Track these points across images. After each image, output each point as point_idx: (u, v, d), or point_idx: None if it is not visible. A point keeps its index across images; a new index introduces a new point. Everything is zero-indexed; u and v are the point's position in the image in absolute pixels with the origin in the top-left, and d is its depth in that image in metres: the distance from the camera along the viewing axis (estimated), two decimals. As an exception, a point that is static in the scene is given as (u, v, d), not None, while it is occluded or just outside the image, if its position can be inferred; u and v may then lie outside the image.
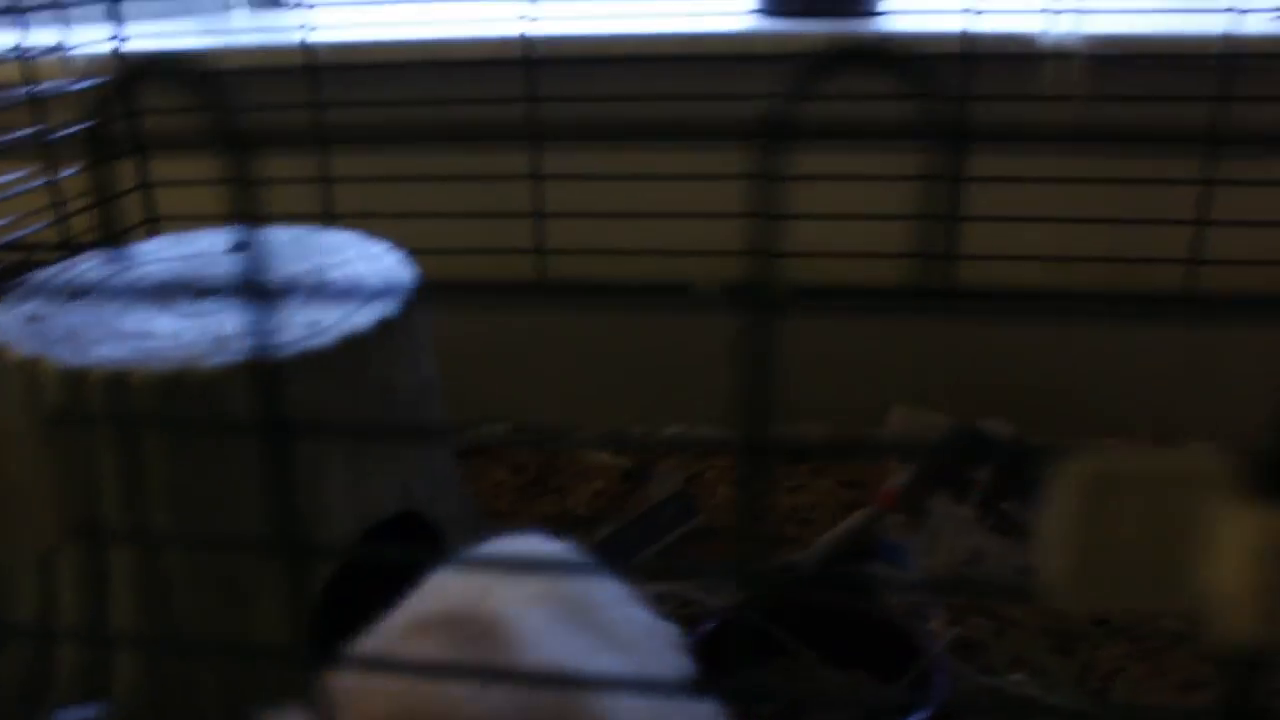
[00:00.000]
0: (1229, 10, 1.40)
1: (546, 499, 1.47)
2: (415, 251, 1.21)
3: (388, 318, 1.07)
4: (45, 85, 1.39)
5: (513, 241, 1.51)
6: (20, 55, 1.38)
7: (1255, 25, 1.39)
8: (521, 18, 1.41)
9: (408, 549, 1.08)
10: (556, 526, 1.42)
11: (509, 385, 1.62)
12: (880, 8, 1.49)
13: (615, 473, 1.49)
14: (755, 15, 1.52)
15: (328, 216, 1.53)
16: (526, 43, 1.42)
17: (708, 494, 1.45)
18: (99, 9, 1.48)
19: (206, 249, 1.24)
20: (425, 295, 1.12)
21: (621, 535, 1.36)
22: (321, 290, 1.09)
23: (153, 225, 1.59)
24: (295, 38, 1.48)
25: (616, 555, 1.34)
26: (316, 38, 1.49)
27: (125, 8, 1.50)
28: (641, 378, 1.60)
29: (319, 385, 1.02)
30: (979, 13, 1.37)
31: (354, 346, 1.03)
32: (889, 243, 1.07)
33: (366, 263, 1.18)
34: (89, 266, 1.20)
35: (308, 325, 1.04)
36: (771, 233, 0.42)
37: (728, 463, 1.50)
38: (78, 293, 1.13)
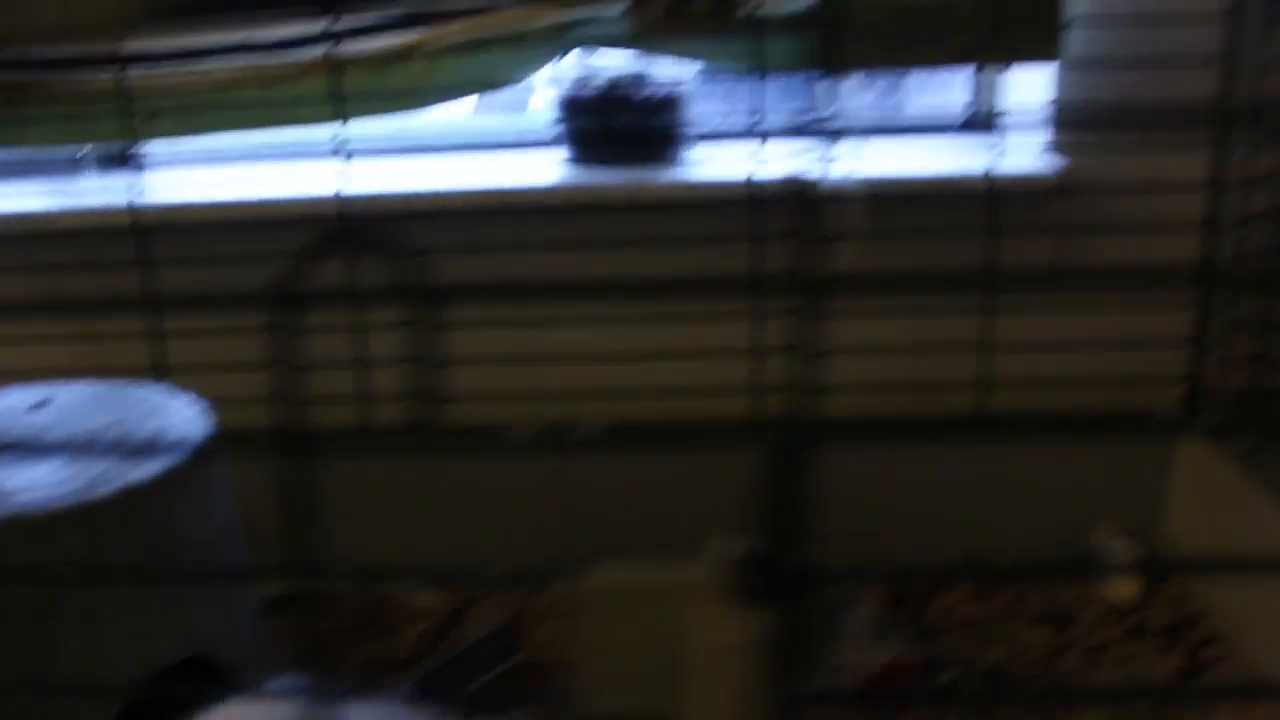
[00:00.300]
0: (995, 150, 1.52)
1: (373, 642, 1.49)
2: (237, 403, 1.26)
3: (173, 468, 1.10)
4: None
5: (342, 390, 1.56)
6: None
7: (1020, 163, 1.51)
8: (336, 178, 1.49)
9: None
10: (382, 669, 1.44)
11: (339, 530, 1.64)
12: (680, 158, 1.59)
13: (440, 613, 1.51)
14: (565, 165, 1.61)
15: (159, 370, 1.57)
16: (341, 201, 1.49)
17: (529, 631, 1.48)
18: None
19: (10, 406, 1.27)
20: (215, 446, 1.16)
21: (440, 673, 1.38)
22: (107, 445, 1.13)
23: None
24: (125, 200, 1.55)
25: (435, 693, 1.36)
26: (149, 199, 1.56)
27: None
28: (465, 518, 1.64)
29: (99, 535, 1.05)
30: (766, 161, 1.48)
31: (135, 497, 1.06)
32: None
33: (167, 416, 1.22)
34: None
35: (92, 478, 1.07)
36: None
37: (551, 599, 1.53)
38: None
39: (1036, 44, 1.45)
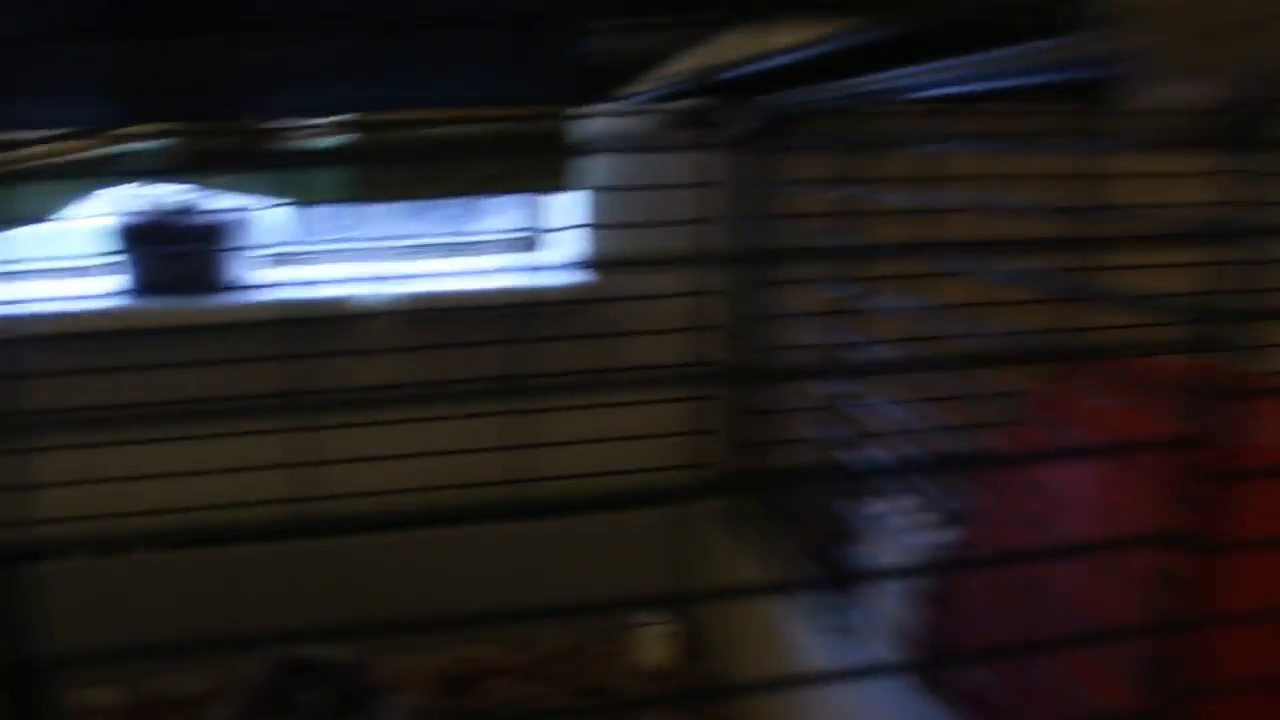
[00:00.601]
0: (532, 267, 1.69)
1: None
2: None
3: None
4: None
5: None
6: None
7: (555, 278, 1.69)
8: None
9: None
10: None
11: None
12: (232, 283, 1.67)
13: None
14: (127, 295, 1.66)
15: None
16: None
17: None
18: None
19: None
20: None
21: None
22: None
23: None
24: None
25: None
26: None
27: None
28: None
29: None
30: (312, 283, 1.58)
31: None
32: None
33: None
34: None
35: None
36: None
37: None
38: None
39: (548, 176, 1.63)
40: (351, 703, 1.42)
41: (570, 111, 1.61)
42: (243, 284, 1.66)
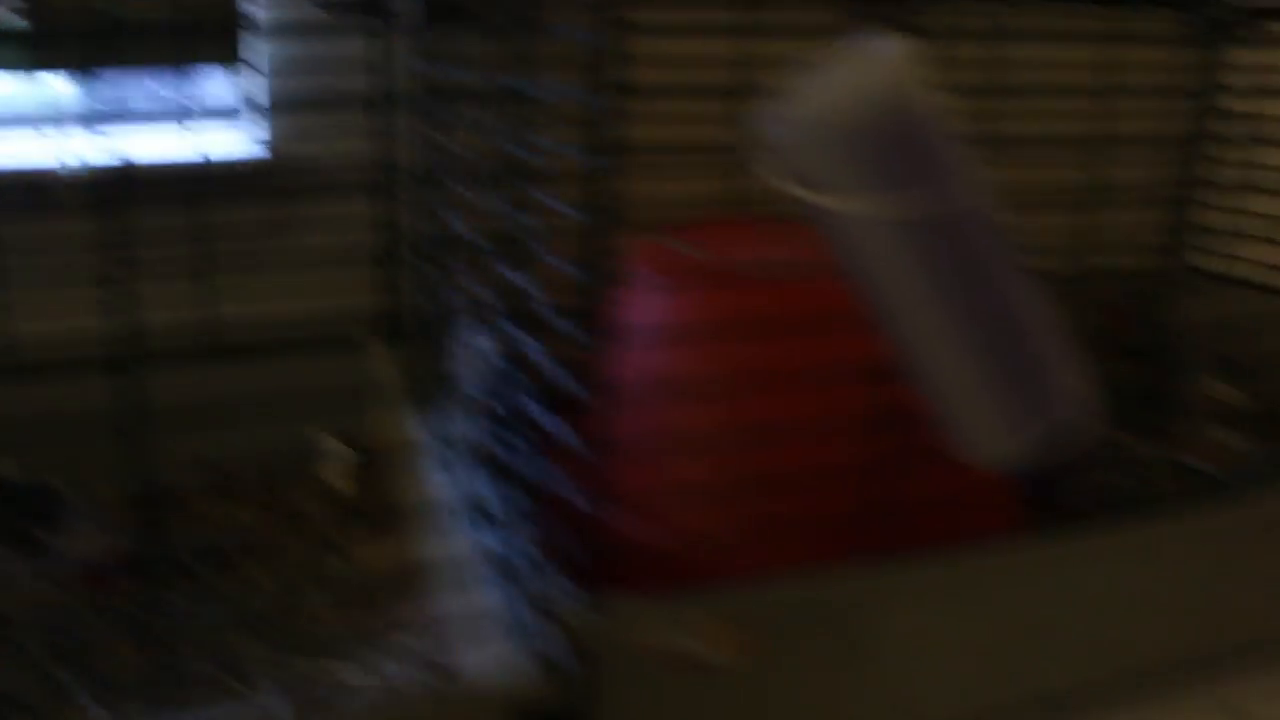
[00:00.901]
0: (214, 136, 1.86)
1: None
2: None
3: None
4: None
5: None
6: None
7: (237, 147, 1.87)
8: None
9: None
10: None
11: None
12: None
13: None
14: None
15: None
16: None
17: None
18: None
19: None
20: None
21: None
22: None
23: None
24: None
25: None
26: None
27: None
28: None
29: None
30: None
31: None
32: None
33: None
34: None
35: None
36: None
37: None
38: None
39: (220, 49, 1.81)
40: (43, 518, 1.62)
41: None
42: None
